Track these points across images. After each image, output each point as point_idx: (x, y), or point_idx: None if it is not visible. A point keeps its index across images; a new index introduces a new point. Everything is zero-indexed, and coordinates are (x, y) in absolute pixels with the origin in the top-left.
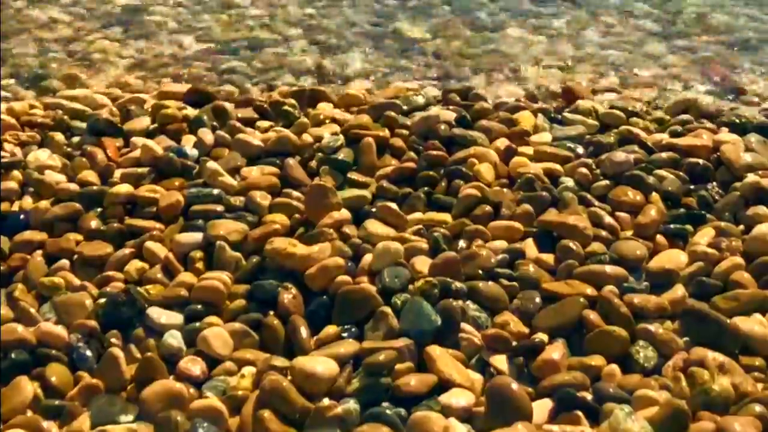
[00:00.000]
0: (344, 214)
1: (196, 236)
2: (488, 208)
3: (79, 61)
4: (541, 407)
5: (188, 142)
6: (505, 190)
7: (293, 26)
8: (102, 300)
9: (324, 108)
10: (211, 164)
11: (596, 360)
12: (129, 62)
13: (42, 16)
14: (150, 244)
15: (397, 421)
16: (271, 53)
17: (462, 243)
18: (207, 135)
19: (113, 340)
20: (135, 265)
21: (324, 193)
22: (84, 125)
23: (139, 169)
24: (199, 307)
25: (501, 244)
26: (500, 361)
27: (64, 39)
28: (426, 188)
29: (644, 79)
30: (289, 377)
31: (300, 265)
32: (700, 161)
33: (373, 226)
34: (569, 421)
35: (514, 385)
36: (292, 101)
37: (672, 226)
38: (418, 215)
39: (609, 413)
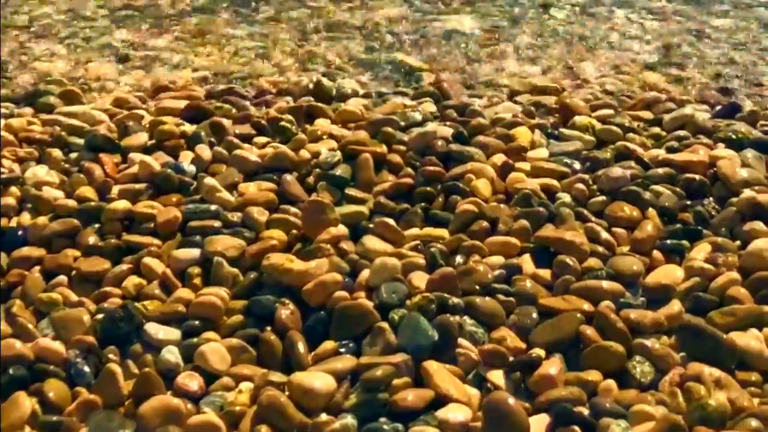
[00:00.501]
0: (341, 229)
1: (194, 252)
2: (485, 223)
3: (78, 86)
4: (538, 422)
5: (186, 158)
6: (502, 205)
7: (289, 56)
8: (100, 316)
9: (321, 124)
10: (209, 180)
11: (593, 375)
12: (126, 89)
13: (40, 48)
14: (148, 260)
15: None
16: (267, 80)
17: (459, 258)
18: (204, 151)
19: (111, 355)
20: (133, 280)
21: (321, 208)
22: (82, 141)
23: (137, 185)
24: (197, 322)
25: (498, 259)
26: (497, 376)
27: (62, 68)
28: (423, 204)
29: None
30: (287, 393)
31: (297, 280)
32: (697, 177)
33: (371, 241)
34: None
35: (511, 401)
36: (290, 117)
37: (668, 241)
38: (415, 231)
39: (606, 428)
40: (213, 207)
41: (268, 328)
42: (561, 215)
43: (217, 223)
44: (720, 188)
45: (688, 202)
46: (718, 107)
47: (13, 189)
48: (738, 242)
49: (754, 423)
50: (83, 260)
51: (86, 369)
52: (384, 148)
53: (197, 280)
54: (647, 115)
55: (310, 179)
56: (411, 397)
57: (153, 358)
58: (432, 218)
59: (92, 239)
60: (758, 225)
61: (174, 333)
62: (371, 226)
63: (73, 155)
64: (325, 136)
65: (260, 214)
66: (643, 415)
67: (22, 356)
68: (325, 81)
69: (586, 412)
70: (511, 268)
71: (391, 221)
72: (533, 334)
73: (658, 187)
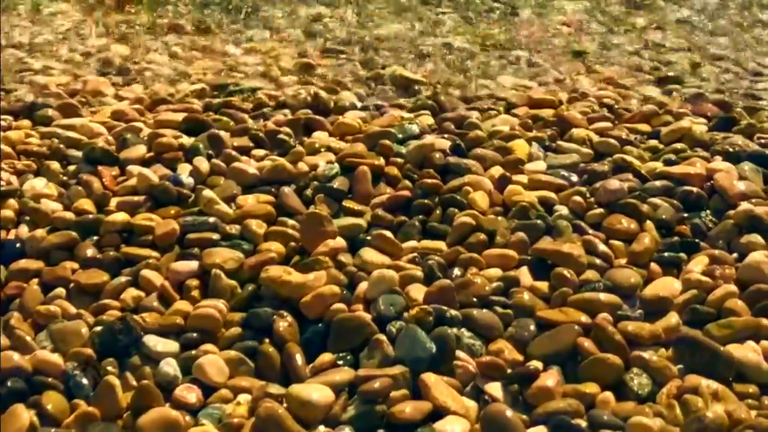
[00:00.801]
0: (339, 242)
1: (192, 264)
2: (483, 236)
3: (76, 100)
4: None
5: (184, 171)
6: (499, 218)
7: (287, 73)
8: (98, 328)
9: (319, 136)
10: (207, 192)
11: (591, 387)
12: (125, 102)
13: (38, 65)
14: (146, 273)
15: None
16: (265, 92)
17: (457, 271)
18: (203, 163)
19: (109, 368)
20: (131, 293)
21: (319, 221)
22: (80, 154)
23: (135, 198)
24: (195, 335)
25: (495, 272)
26: (495, 388)
27: (60, 83)
28: (421, 216)
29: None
30: (285, 405)
31: (295, 293)
32: (694, 189)
33: (368, 254)
34: None
35: (509, 413)
36: (288, 130)
37: (666, 254)
38: (412, 243)
39: None
40: (211, 219)
41: (267, 341)
42: (558, 228)
43: (215, 236)
44: (717, 201)
45: (686, 215)
46: (715, 120)
47: (11, 201)
48: (735, 255)
49: None
50: (81, 272)
51: (84, 381)
52: (382, 161)
53: (195, 293)
54: (645, 127)
55: (308, 192)
56: (409, 410)
57: (151, 371)
58: (430, 231)
59: (90, 252)
60: (755, 238)
61: (172, 345)
62: (369, 238)
63: (72, 168)
64: (323, 149)
65: (258, 227)
66: (641, 427)
67: (20, 368)
68: (323, 94)
69: (583, 424)
70: (509, 281)
71: (388, 234)
72: (531, 347)
73: (656, 200)
